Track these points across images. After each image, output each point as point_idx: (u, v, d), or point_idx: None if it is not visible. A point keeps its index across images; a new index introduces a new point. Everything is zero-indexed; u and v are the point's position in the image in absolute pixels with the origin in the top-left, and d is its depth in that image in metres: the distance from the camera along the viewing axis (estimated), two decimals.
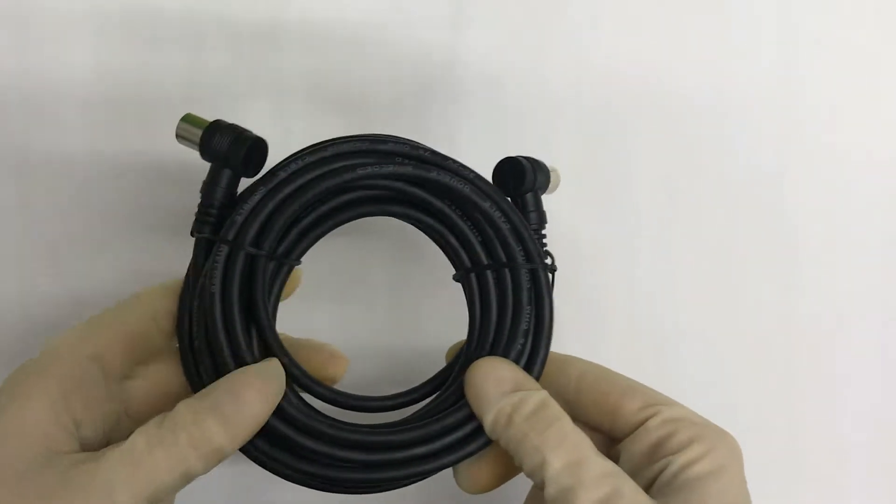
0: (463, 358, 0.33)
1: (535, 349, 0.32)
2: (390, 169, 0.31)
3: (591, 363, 0.33)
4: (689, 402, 0.32)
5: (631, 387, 0.32)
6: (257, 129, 0.40)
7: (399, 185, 0.32)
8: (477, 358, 0.32)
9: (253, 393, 0.28)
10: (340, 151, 0.32)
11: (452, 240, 0.34)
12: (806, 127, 0.44)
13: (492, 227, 0.33)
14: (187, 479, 0.27)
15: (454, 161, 0.33)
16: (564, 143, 0.42)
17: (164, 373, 0.32)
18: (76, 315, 0.39)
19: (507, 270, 0.32)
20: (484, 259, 0.33)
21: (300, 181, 0.31)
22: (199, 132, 0.32)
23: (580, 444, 0.29)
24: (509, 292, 0.32)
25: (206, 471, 0.27)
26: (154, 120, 0.40)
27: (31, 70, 0.39)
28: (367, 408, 0.32)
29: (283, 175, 0.31)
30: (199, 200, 0.33)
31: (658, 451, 0.30)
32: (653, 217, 0.43)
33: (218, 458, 0.27)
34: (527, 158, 0.34)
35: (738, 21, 0.44)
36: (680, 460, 0.29)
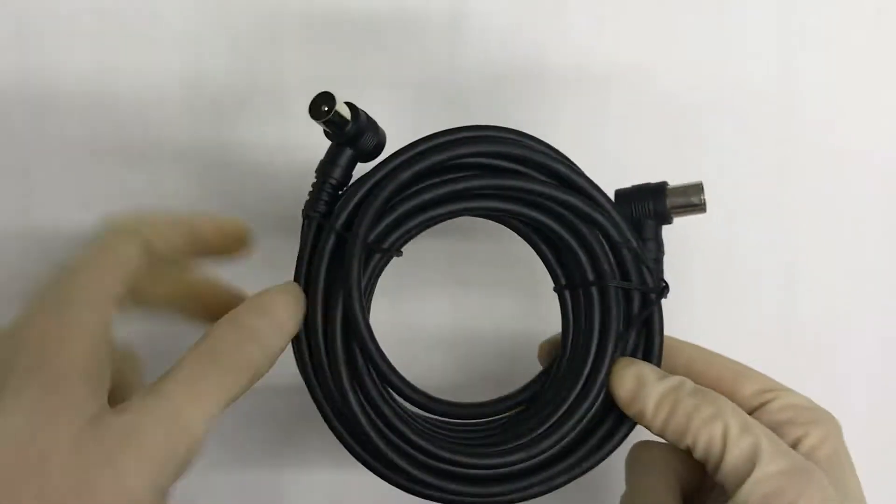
0: (562, 366, 0.33)
1: None
2: (522, 184, 0.31)
3: (697, 347, 0.33)
4: None
5: (743, 371, 0.32)
6: (257, 129, 0.41)
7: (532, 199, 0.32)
8: (576, 367, 0.32)
9: (286, 314, 0.29)
10: (458, 154, 0.31)
11: (564, 253, 0.33)
12: (806, 126, 0.44)
13: (610, 243, 0.32)
14: (229, 405, 0.27)
15: (585, 177, 0.32)
16: (564, 143, 0.42)
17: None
18: None
19: (618, 290, 0.32)
20: (591, 275, 0.32)
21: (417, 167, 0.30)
22: (346, 115, 0.30)
23: (741, 410, 0.30)
24: (613, 312, 0.32)
25: (241, 394, 0.28)
26: (154, 120, 0.40)
27: (31, 70, 0.39)
28: (459, 415, 0.32)
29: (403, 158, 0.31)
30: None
31: (779, 434, 0.30)
32: None
33: (257, 380, 0.28)
34: (652, 187, 0.34)
35: (737, 19, 0.43)
36: (805, 444, 0.30)
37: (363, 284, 0.30)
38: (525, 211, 0.32)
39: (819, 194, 0.44)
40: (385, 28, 0.41)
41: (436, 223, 0.32)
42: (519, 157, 0.31)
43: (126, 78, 0.39)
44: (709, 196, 0.43)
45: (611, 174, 0.43)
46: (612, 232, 0.32)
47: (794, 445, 0.30)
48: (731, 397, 0.31)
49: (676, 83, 0.43)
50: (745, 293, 0.43)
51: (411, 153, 0.31)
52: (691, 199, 0.32)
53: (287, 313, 0.29)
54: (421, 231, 0.32)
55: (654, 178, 0.43)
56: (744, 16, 0.43)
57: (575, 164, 0.32)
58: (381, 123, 0.41)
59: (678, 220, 0.34)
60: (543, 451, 0.31)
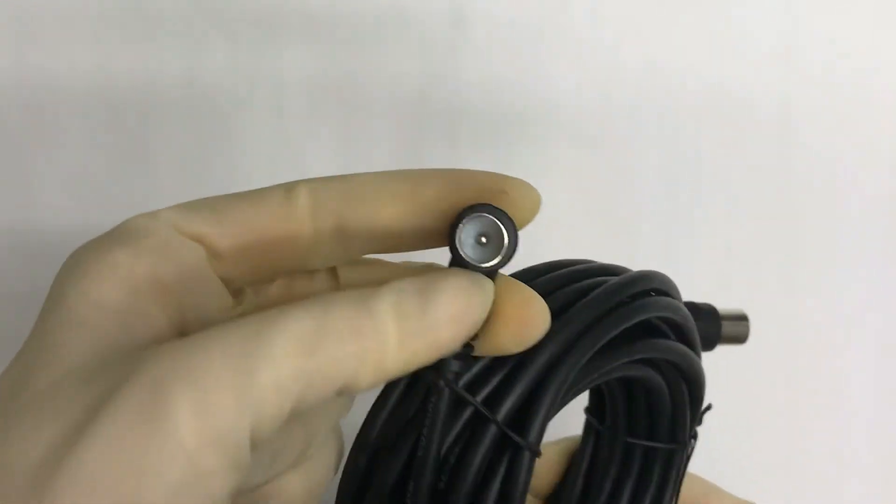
0: None
1: None
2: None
3: None
4: None
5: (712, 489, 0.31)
6: (256, 131, 0.40)
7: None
8: None
9: (469, 314, 0.20)
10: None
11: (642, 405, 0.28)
12: (808, 125, 0.44)
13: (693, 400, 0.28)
14: (338, 393, 0.19)
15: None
16: (565, 142, 0.42)
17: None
18: None
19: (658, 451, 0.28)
20: (664, 436, 0.28)
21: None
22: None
23: None
24: (656, 475, 0.28)
25: (363, 389, 0.19)
26: (154, 120, 0.39)
27: (30, 70, 0.39)
28: None
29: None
30: None
31: None
32: (654, 218, 0.43)
33: (382, 377, 0.19)
34: (702, 311, 0.29)
35: (736, 15, 0.43)
36: None
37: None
38: (650, 373, 0.27)
39: (821, 194, 0.44)
40: (385, 28, 0.41)
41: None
42: (669, 320, 0.26)
43: (126, 78, 0.39)
44: (711, 194, 0.43)
45: (612, 174, 0.43)
46: (699, 388, 0.28)
47: None
48: None
49: (677, 82, 0.43)
50: (747, 292, 0.43)
51: (569, 334, 0.23)
52: (740, 332, 0.29)
53: (456, 306, 0.19)
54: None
55: (657, 178, 0.43)
56: (744, 16, 0.43)
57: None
58: (381, 126, 0.41)
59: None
60: None
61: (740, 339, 0.29)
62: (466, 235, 0.20)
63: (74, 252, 0.21)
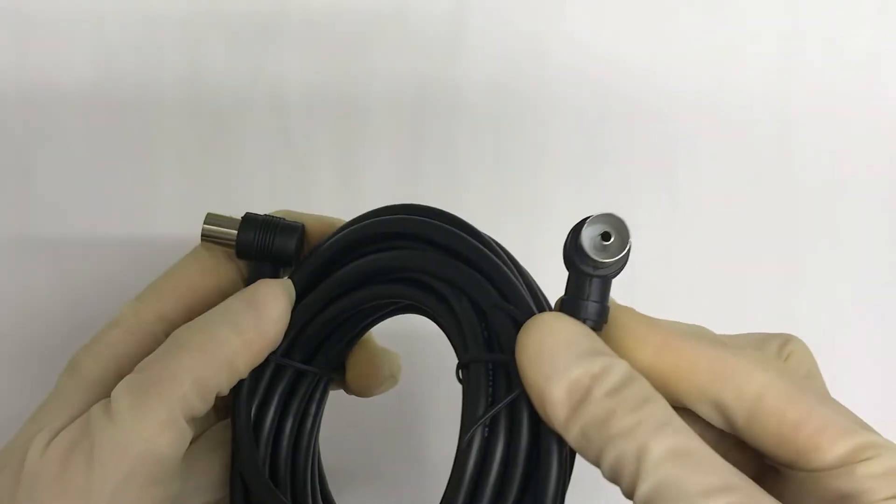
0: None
1: None
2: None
3: (772, 374, 0.23)
4: None
5: (830, 418, 0.22)
6: (256, 130, 0.40)
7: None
8: None
9: (276, 309, 0.27)
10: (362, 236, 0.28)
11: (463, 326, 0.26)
12: (806, 126, 0.44)
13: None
14: (204, 393, 0.26)
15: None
16: (566, 141, 0.42)
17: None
18: (76, 315, 0.39)
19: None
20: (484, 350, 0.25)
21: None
22: (233, 231, 0.29)
23: (687, 431, 0.21)
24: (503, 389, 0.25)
25: (225, 385, 0.27)
26: (154, 120, 0.40)
27: (31, 70, 0.39)
28: None
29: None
30: None
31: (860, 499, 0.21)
32: (654, 217, 0.43)
33: (231, 371, 0.27)
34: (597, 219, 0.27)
35: (736, 15, 0.43)
36: None
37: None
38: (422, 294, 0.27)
39: (820, 193, 0.44)
40: (385, 29, 0.41)
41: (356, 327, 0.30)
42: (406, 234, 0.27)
43: (126, 78, 0.39)
44: (708, 194, 0.43)
45: (612, 176, 0.43)
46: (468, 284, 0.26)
47: None
48: (812, 453, 0.22)
49: (676, 83, 0.43)
50: (746, 292, 0.43)
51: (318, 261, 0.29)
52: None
53: (278, 308, 0.27)
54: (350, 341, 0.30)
55: (656, 177, 0.43)
56: (744, 16, 0.43)
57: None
58: (381, 126, 0.41)
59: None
60: None
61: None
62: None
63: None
